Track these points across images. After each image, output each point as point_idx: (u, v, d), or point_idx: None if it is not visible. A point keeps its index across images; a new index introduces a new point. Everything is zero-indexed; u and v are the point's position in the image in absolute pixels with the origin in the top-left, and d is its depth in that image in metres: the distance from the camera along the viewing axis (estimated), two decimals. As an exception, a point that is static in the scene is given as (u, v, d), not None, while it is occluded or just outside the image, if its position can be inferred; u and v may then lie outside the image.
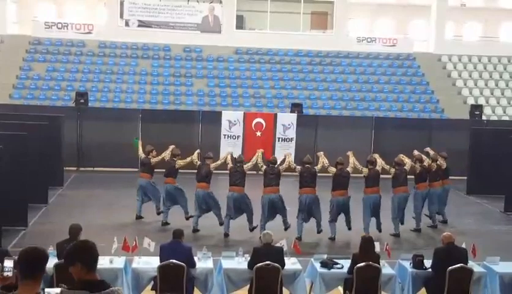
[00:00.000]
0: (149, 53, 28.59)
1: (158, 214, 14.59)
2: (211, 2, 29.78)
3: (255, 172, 14.53)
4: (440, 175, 15.19)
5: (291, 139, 21.83)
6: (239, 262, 9.78)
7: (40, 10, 30.42)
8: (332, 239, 13.56)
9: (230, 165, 13.74)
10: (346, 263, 9.57)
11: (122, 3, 29.30)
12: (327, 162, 13.73)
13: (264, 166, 13.57)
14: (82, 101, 22.40)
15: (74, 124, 21.26)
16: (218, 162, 14.06)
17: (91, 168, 21.55)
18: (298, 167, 13.63)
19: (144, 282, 9.48)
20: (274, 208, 13.46)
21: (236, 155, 14.48)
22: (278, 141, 21.82)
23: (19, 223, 13.36)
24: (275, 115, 22.47)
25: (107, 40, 28.60)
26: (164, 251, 9.21)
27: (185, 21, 29.53)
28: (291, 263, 9.73)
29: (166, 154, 14.50)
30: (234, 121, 21.74)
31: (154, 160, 14.59)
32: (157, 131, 21.43)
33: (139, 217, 14.63)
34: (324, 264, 9.76)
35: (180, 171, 14.55)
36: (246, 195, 13.56)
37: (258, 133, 21.80)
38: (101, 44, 28.53)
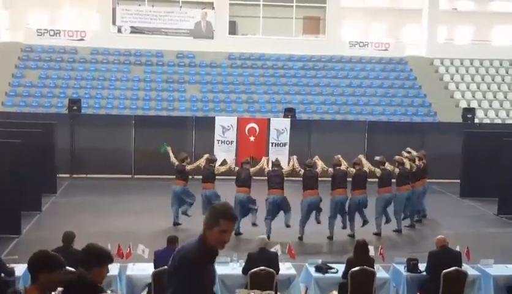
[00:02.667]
0: (141, 59, 28.57)
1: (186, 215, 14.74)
2: (203, 8, 29.81)
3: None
4: (425, 173, 15.91)
5: (285, 144, 21.82)
6: (233, 268, 9.78)
7: (32, 17, 30.32)
8: (352, 236, 13.94)
9: (267, 169, 14.16)
10: (340, 268, 9.58)
11: (114, 10, 29.29)
12: (345, 163, 14.22)
13: (302, 171, 13.90)
14: (75, 108, 22.36)
15: (67, 131, 21.23)
16: (257, 167, 14.41)
17: (84, 175, 21.50)
18: (331, 169, 14.05)
19: (139, 289, 9.46)
20: (312, 209, 13.81)
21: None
22: (272, 146, 21.80)
23: (12, 231, 13.31)
24: (269, 120, 22.47)
25: (100, 47, 28.56)
26: (158, 257, 9.19)
27: (177, 27, 29.53)
28: (285, 268, 9.74)
29: (201, 161, 14.77)
30: (228, 126, 21.72)
31: (189, 167, 14.78)
32: (151, 137, 21.44)
33: (176, 224, 14.72)
34: (318, 268, 9.77)
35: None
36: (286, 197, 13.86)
37: (252, 138, 21.79)
38: (94, 51, 28.49)
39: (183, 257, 4.45)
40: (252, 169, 14.18)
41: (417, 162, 15.42)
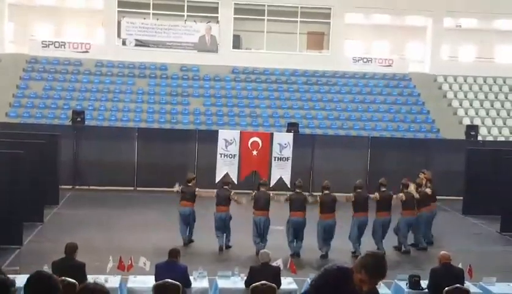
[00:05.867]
0: (145, 72, 28.66)
1: (187, 243, 14.27)
2: (208, 22, 29.94)
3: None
4: (432, 199, 15.58)
5: (288, 159, 21.77)
6: (234, 282, 9.76)
7: (37, 29, 30.51)
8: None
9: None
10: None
11: (119, 23, 29.44)
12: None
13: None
14: (79, 119, 22.41)
15: (70, 143, 21.24)
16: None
17: (87, 187, 21.49)
18: (350, 194, 14.07)
19: (140, 302, 9.43)
20: (328, 233, 13.79)
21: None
22: (275, 160, 21.76)
23: (14, 242, 13.32)
24: (272, 134, 22.44)
25: (104, 59, 28.67)
26: (160, 270, 9.18)
27: (182, 41, 29.65)
28: (287, 283, 9.71)
29: (213, 193, 14.45)
30: (231, 140, 21.68)
31: (199, 194, 14.43)
32: (154, 150, 21.49)
33: (190, 241, 14.33)
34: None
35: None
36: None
37: (255, 152, 21.74)
38: (98, 63, 28.60)
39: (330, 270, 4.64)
40: (269, 192, 14.15)
41: (424, 188, 15.07)
